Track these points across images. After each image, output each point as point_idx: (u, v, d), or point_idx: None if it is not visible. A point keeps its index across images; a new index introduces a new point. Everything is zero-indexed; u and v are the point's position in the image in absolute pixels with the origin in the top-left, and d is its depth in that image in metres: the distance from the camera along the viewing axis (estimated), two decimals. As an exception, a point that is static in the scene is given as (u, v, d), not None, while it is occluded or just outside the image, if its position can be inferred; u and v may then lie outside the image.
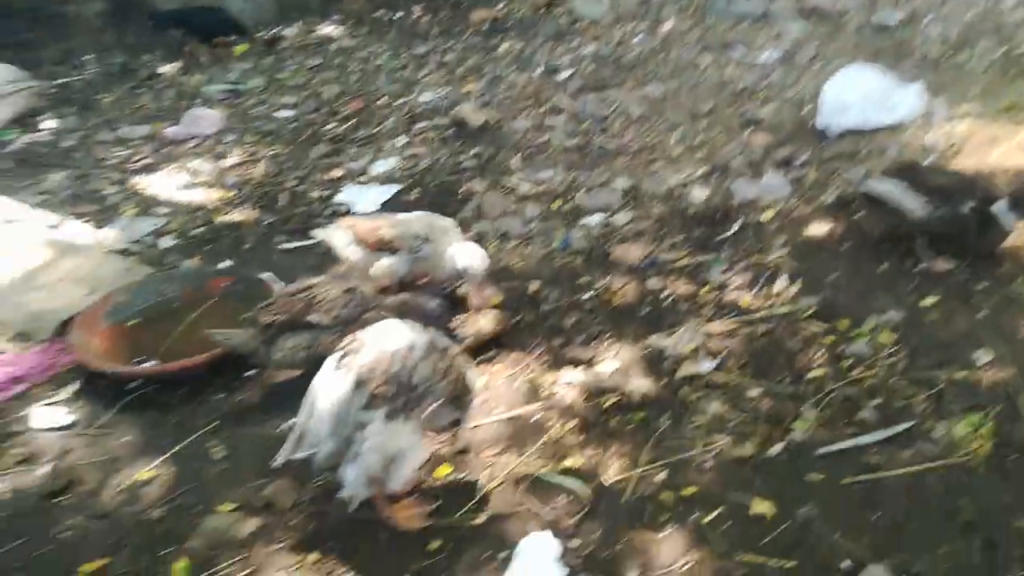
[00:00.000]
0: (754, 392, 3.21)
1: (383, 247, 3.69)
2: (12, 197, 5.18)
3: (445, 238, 3.71)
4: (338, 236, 3.89)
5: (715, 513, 2.67)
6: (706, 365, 3.34)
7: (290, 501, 2.81)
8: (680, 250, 4.22)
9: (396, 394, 2.46)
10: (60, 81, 7.56)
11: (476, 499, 2.77)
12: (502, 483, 2.84)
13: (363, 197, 5.15)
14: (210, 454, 3.09)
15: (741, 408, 3.13)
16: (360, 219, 3.93)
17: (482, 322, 3.55)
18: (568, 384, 3.31)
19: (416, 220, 3.78)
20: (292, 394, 3.13)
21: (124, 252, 4.62)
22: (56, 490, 2.95)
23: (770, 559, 2.50)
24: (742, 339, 3.51)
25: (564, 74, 6.77)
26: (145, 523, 2.79)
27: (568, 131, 5.79)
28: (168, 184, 5.53)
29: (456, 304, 3.88)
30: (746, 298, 3.78)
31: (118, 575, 2.59)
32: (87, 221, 5.02)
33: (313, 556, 2.60)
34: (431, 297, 3.43)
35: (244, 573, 2.57)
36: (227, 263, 4.40)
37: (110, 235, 4.82)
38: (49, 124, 6.73)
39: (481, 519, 2.70)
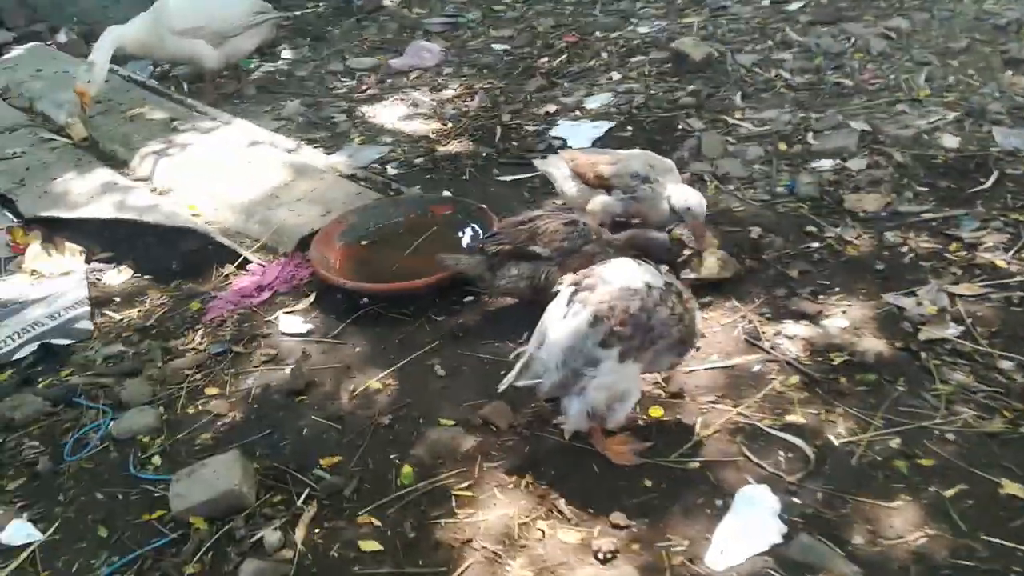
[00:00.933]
0: (1006, 365, 2.90)
1: (601, 183, 3.64)
2: (254, 122, 5.62)
3: (664, 179, 3.60)
4: (557, 167, 3.89)
5: (956, 488, 2.46)
6: (951, 330, 3.06)
7: (506, 423, 2.90)
8: (924, 202, 3.85)
9: (633, 335, 2.44)
10: (296, 13, 8.06)
11: (691, 443, 2.73)
12: (717, 431, 2.77)
13: (576, 133, 5.12)
14: (433, 371, 3.24)
15: (989, 381, 2.85)
16: (580, 152, 3.91)
17: (710, 263, 3.44)
18: (792, 337, 3.15)
19: (635, 158, 3.69)
20: (511, 320, 3.25)
21: (353, 177, 4.89)
22: (297, 389, 3.22)
23: (1021, 544, 2.27)
24: (994, 305, 3.17)
25: (794, 5, 6.33)
26: (375, 428, 2.98)
27: (797, 67, 5.43)
28: (391, 114, 5.78)
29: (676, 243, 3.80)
30: (1000, 260, 3.40)
31: (351, 470, 2.80)
32: (319, 147, 5.37)
33: (528, 478, 2.68)
34: (659, 233, 3.36)
35: (463, 485, 2.69)
36: (447, 192, 4.55)
37: (340, 160, 5.12)
38: (286, 54, 7.22)
39: (695, 464, 2.65)
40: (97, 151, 5.44)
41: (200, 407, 3.23)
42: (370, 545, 2.52)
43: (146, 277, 4.25)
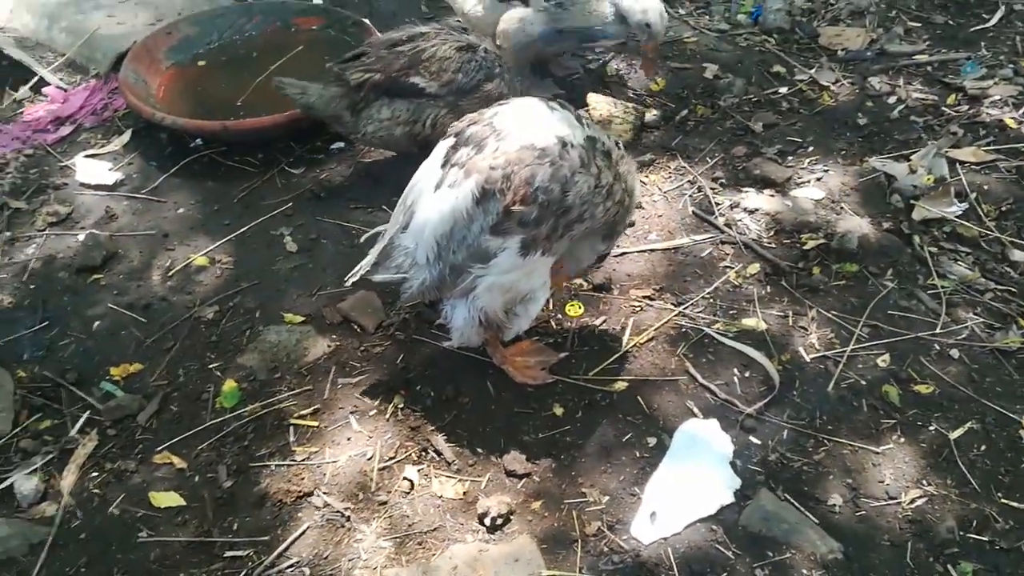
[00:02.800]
0: (1019, 255, 2.27)
1: (517, -8, 2.73)
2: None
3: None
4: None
5: (964, 428, 1.86)
6: (952, 208, 2.39)
7: (374, 322, 2.14)
8: (917, 41, 3.09)
9: (540, 217, 1.65)
10: None
11: (617, 355, 2.03)
12: (652, 338, 2.08)
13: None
14: (281, 244, 2.41)
15: (999, 276, 2.22)
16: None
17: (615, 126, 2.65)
18: (752, 211, 2.43)
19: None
20: (392, 177, 2.39)
21: (202, -24, 3.77)
22: (92, 265, 2.36)
23: (1046, 511, 1.71)
24: (1003, 177, 2.51)
25: None
26: (193, 324, 2.18)
27: None
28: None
29: (604, 84, 2.97)
30: (1010, 118, 2.72)
31: (152, 385, 2.02)
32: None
33: (396, 401, 1.95)
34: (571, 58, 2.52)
35: (306, 410, 1.95)
36: (319, 2, 3.52)
37: (189, -46, 3.96)
38: None
39: (622, 384, 1.97)
40: None
41: (-48, 285, 2.34)
42: (167, 499, 1.78)
43: (-89, 97, 3.16)
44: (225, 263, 2.37)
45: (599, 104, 2.72)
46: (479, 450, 1.85)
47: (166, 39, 3.06)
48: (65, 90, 3.07)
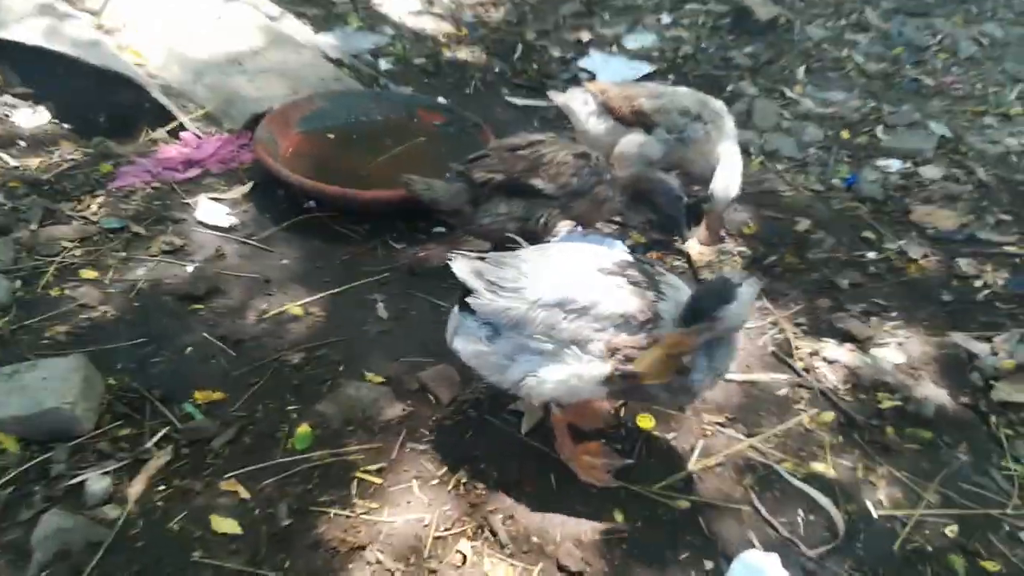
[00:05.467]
0: (1101, 452, 2.24)
1: (639, 120, 2.90)
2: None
3: (718, 124, 2.87)
4: (580, 99, 3.13)
5: (1034, 617, 1.80)
6: (1034, 394, 2.38)
7: (450, 395, 2.19)
8: (1007, 232, 3.16)
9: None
10: None
11: (682, 474, 2.04)
12: (721, 464, 2.09)
13: (608, 69, 4.37)
14: (372, 309, 2.52)
15: (1078, 469, 2.18)
16: (612, 84, 3.14)
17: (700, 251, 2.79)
18: (832, 362, 2.46)
19: (686, 95, 2.95)
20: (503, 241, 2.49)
21: (338, 62, 4.11)
22: (195, 295, 2.49)
23: None
24: (1088, 373, 2.50)
25: (879, -13, 5.54)
26: (278, 366, 2.27)
27: (873, 53, 4.67)
28: (400, 5, 4.95)
29: (699, 219, 3.09)
30: (1098, 319, 2.72)
31: (231, 415, 2.09)
32: (308, 24, 4.56)
33: (461, 475, 1.98)
34: (672, 179, 2.64)
35: (373, 466, 1.98)
36: (443, 100, 3.78)
37: (328, 41, 4.32)
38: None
39: (685, 503, 1.97)
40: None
41: (67, 291, 2.49)
42: (226, 525, 1.81)
43: (65, 125, 3.46)
44: (318, 316, 2.48)
45: (695, 245, 2.85)
46: (534, 539, 1.86)
47: (301, 108, 3.32)
48: (200, 137, 3.32)
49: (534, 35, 4.72)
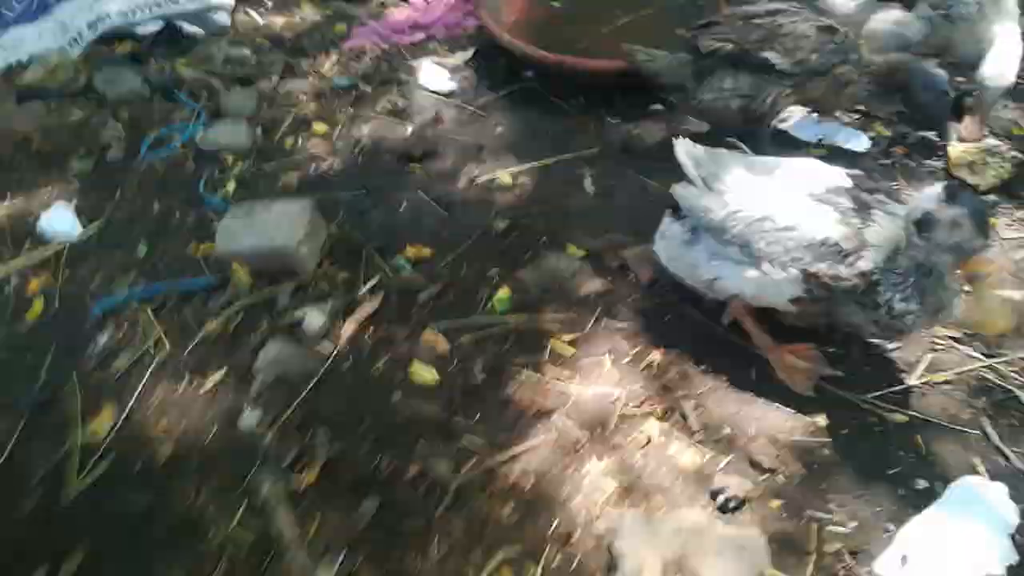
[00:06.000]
0: None
1: (898, -6, 2.54)
2: None
3: (995, 3, 2.45)
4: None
5: None
6: None
7: (650, 275, 2.12)
8: None
9: None
10: None
11: (901, 387, 1.85)
12: (948, 381, 1.87)
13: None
14: (580, 183, 2.47)
15: None
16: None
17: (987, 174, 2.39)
18: (1106, 285, 2.10)
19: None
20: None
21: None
22: (414, 155, 2.55)
23: None
24: None
25: None
26: (485, 230, 2.29)
27: None
28: None
29: (959, 114, 2.70)
30: None
31: (437, 272, 2.15)
32: None
33: (655, 355, 1.92)
34: (939, 71, 2.30)
35: (567, 337, 1.98)
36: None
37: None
38: None
39: (900, 418, 1.79)
40: None
41: (300, 141, 2.64)
42: (424, 374, 1.89)
43: (307, -15, 3.60)
44: (526, 186, 2.46)
45: (958, 143, 2.49)
46: (726, 430, 1.78)
47: (529, -25, 3.22)
48: (427, 2, 3.33)
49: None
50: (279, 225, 2.10)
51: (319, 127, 2.70)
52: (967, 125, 2.52)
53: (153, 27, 3.20)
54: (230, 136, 2.60)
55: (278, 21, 3.37)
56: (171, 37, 3.16)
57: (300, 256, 2.09)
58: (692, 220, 1.83)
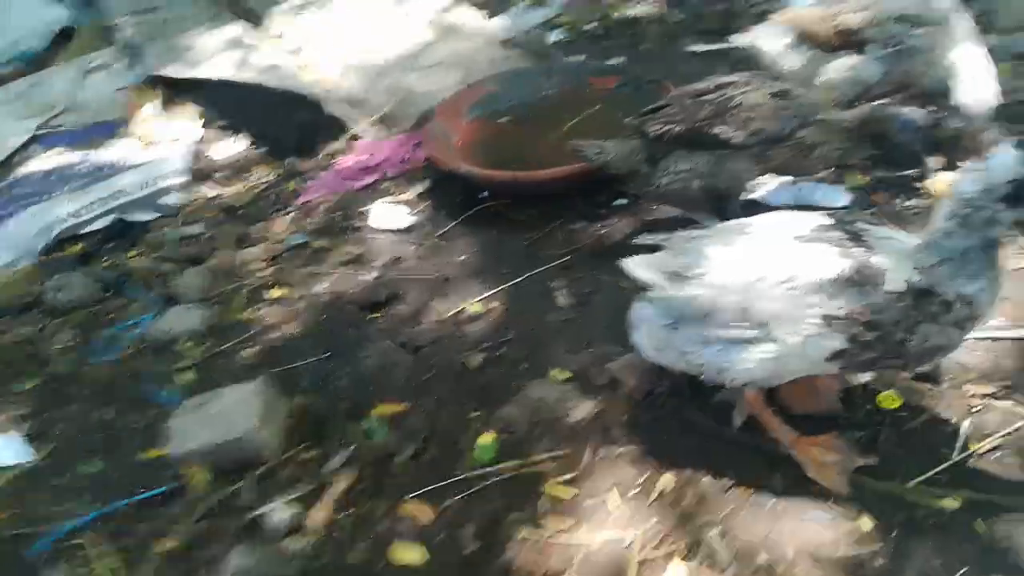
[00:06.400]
0: None
1: (845, 41, 2.43)
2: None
3: (947, 25, 2.34)
4: (769, 35, 2.70)
5: None
6: None
7: (644, 389, 1.91)
8: None
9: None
10: None
11: (946, 464, 1.62)
12: (997, 447, 1.63)
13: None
14: (554, 297, 2.30)
15: None
16: (803, 10, 2.67)
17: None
18: None
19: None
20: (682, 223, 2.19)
21: (508, 43, 3.93)
22: (375, 301, 2.41)
23: None
24: None
25: None
26: (460, 369, 2.11)
27: None
28: (569, -27, 4.69)
29: (936, 145, 2.56)
30: None
31: (413, 427, 1.95)
32: (480, 8, 4.44)
33: (665, 481, 1.70)
34: (914, 109, 2.16)
35: (562, 477, 1.76)
36: (618, 60, 3.48)
37: (499, 24, 4.17)
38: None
39: (953, 503, 1.55)
40: (238, 7, 4.84)
41: (257, 312, 2.51)
42: (408, 553, 1.67)
43: (260, 150, 3.57)
44: (498, 311, 2.30)
45: (942, 177, 2.34)
46: (762, 555, 1.54)
47: (471, 96, 3.17)
48: (375, 143, 3.28)
49: (715, -26, 4.25)
50: (234, 413, 1.93)
51: (275, 292, 2.58)
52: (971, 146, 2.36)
53: (103, 223, 3.14)
54: (184, 322, 2.47)
55: (230, 190, 3.31)
56: (122, 229, 3.09)
57: (261, 441, 1.90)
58: (673, 312, 1.64)
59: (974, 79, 2.27)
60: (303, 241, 2.78)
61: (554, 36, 3.99)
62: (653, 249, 1.70)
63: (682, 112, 2.22)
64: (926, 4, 2.37)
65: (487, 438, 1.87)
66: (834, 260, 1.48)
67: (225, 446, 1.89)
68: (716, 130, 2.16)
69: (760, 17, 3.63)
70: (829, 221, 1.57)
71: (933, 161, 2.50)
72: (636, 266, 1.65)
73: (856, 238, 1.52)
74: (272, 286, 2.61)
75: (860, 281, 1.46)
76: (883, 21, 2.37)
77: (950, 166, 2.47)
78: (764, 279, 1.51)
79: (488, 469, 1.81)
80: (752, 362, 1.54)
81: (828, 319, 1.47)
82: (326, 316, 2.42)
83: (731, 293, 1.54)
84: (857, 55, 2.38)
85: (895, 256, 1.49)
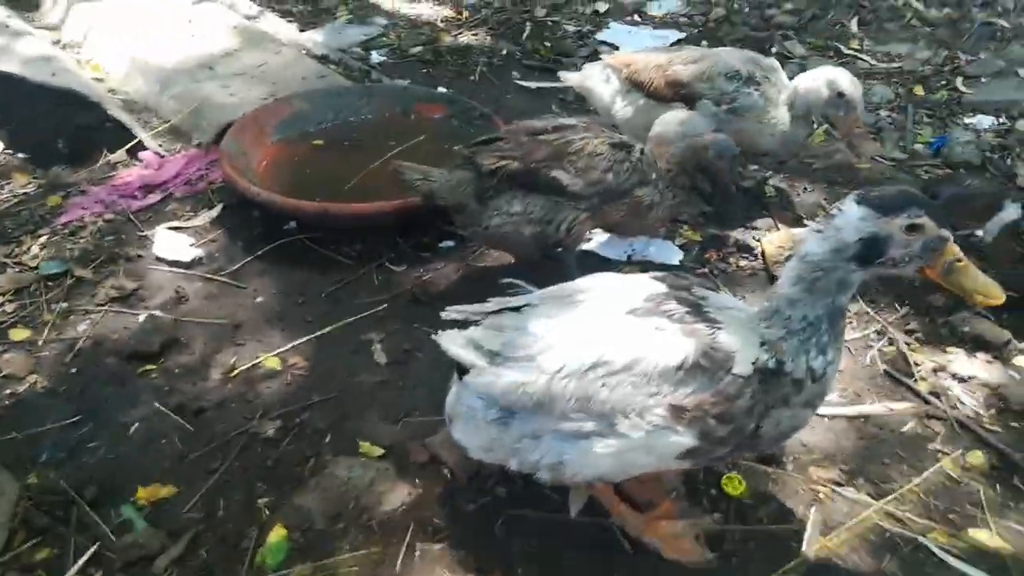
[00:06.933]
0: None
1: (675, 92, 2.35)
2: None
3: (775, 84, 2.33)
4: (600, 77, 2.59)
5: None
6: None
7: (468, 471, 1.66)
8: None
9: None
10: None
11: (795, 561, 1.49)
12: (846, 541, 1.53)
13: (632, 40, 3.81)
14: (368, 352, 2.00)
15: None
16: (637, 54, 2.59)
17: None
18: (964, 379, 1.89)
19: (730, 54, 2.41)
20: (499, 290, 1.96)
21: (324, 59, 3.60)
22: (147, 352, 1.98)
23: None
24: None
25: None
26: (248, 441, 1.75)
27: (936, -2, 4.06)
28: (395, -7, 4.44)
29: (763, 205, 2.54)
30: None
31: (183, 518, 1.57)
32: (292, 21, 4.07)
33: (491, 586, 1.45)
34: (723, 138, 2.08)
35: (372, 581, 1.46)
36: (444, 90, 3.26)
37: (314, 38, 3.82)
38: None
39: (803, 600, 1.42)
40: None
41: (-10, 359, 2.00)
42: None
43: (19, 155, 2.97)
44: (299, 368, 1.96)
45: (771, 238, 2.29)
46: None
47: (277, 112, 2.81)
48: (162, 156, 2.82)
49: (544, 11, 4.18)
50: (-67, 503, 1.45)
51: (19, 334, 2.07)
52: (853, 144, 2.32)
53: None
54: None
55: (-26, 200, 2.71)
56: None
57: (-30, 542, 1.44)
58: (501, 401, 1.40)
59: (828, 72, 2.26)
60: (61, 270, 2.28)
61: (376, 57, 3.70)
62: (468, 323, 1.45)
63: (518, 149, 2.01)
64: (755, 63, 2.35)
65: (277, 535, 1.53)
66: (678, 341, 1.31)
67: (-85, 551, 1.41)
68: (554, 173, 1.96)
69: (592, 57, 3.59)
70: (664, 288, 1.40)
71: (761, 221, 2.48)
72: (452, 342, 1.40)
73: (696, 310, 1.36)
74: (15, 326, 2.10)
75: (707, 365, 1.30)
76: (714, 76, 2.31)
77: (777, 226, 2.45)
78: (603, 362, 1.31)
79: (276, 574, 1.47)
80: (594, 459, 1.34)
81: (676, 411, 1.30)
82: (81, 369, 1.96)
83: (566, 379, 1.32)
84: (688, 109, 2.30)
85: (740, 332, 1.34)
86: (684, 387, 1.30)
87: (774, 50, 3.65)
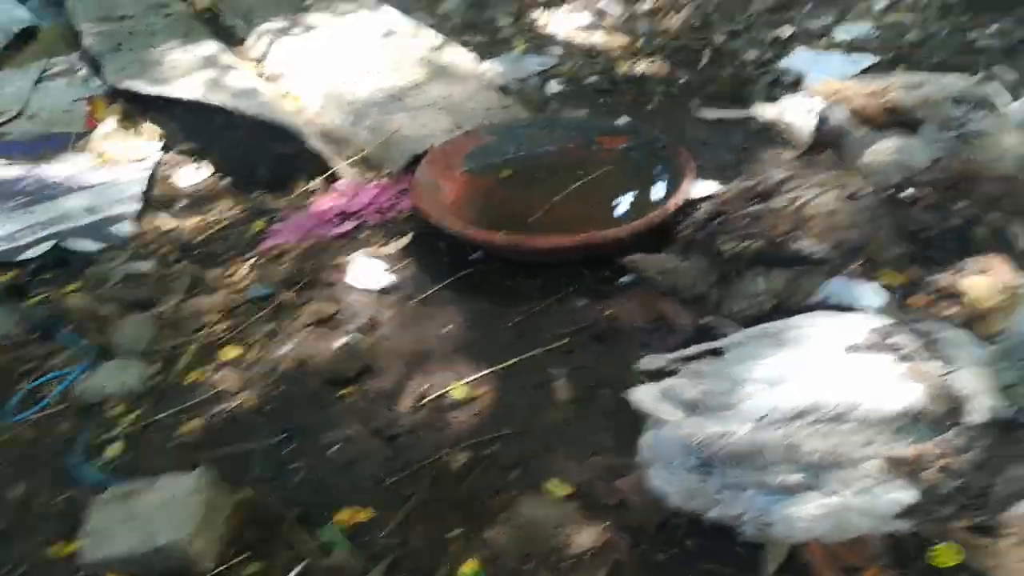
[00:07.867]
0: None
1: (894, 119, 2.21)
2: (406, 15, 4.51)
3: (1004, 109, 2.14)
4: (802, 108, 2.49)
5: None
6: None
7: (656, 517, 1.62)
8: None
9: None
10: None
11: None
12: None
13: (819, 65, 3.64)
14: (552, 388, 2.01)
15: None
16: (843, 82, 2.46)
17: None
18: None
19: (953, 80, 2.24)
20: (681, 328, 1.92)
21: (503, 89, 3.69)
22: (345, 376, 2.09)
23: None
24: None
25: None
26: (440, 470, 1.80)
27: None
28: (569, 23, 4.49)
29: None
30: None
31: (380, 543, 1.63)
32: (472, 50, 4.20)
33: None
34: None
35: (563, 626, 1.45)
36: (624, 120, 3.25)
37: (493, 68, 3.92)
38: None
39: None
40: (216, 24, 4.54)
41: (206, 374, 2.17)
42: None
43: (227, 180, 3.24)
44: (486, 399, 2.00)
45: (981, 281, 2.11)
46: None
47: (465, 145, 2.90)
48: (357, 185, 2.98)
49: (723, 37, 4.08)
50: (164, 513, 1.59)
51: (230, 351, 2.24)
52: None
53: (40, 249, 2.78)
54: (118, 380, 2.13)
55: (189, 224, 2.97)
56: (60, 260, 2.73)
57: (194, 553, 1.56)
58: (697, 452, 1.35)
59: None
60: (267, 293, 2.45)
61: (553, 87, 3.75)
62: (664, 373, 1.41)
63: (754, 224, 1.91)
64: (982, 88, 2.17)
65: (471, 566, 1.56)
66: (904, 382, 1.21)
67: (152, 555, 1.55)
68: (797, 245, 1.86)
69: (775, 84, 3.47)
70: (888, 321, 1.30)
71: (971, 261, 2.28)
72: (646, 398, 1.36)
73: (929, 345, 1.25)
74: (226, 343, 2.27)
75: (935, 411, 1.20)
76: (939, 101, 2.15)
77: (989, 269, 2.25)
78: (814, 408, 1.24)
79: (472, 609, 1.50)
80: (804, 517, 1.26)
81: (895, 462, 1.20)
82: (286, 389, 2.09)
83: (770, 426, 1.26)
84: (906, 137, 2.15)
85: (977, 373, 1.22)
86: (906, 435, 1.21)
87: (979, 75, 3.38)
